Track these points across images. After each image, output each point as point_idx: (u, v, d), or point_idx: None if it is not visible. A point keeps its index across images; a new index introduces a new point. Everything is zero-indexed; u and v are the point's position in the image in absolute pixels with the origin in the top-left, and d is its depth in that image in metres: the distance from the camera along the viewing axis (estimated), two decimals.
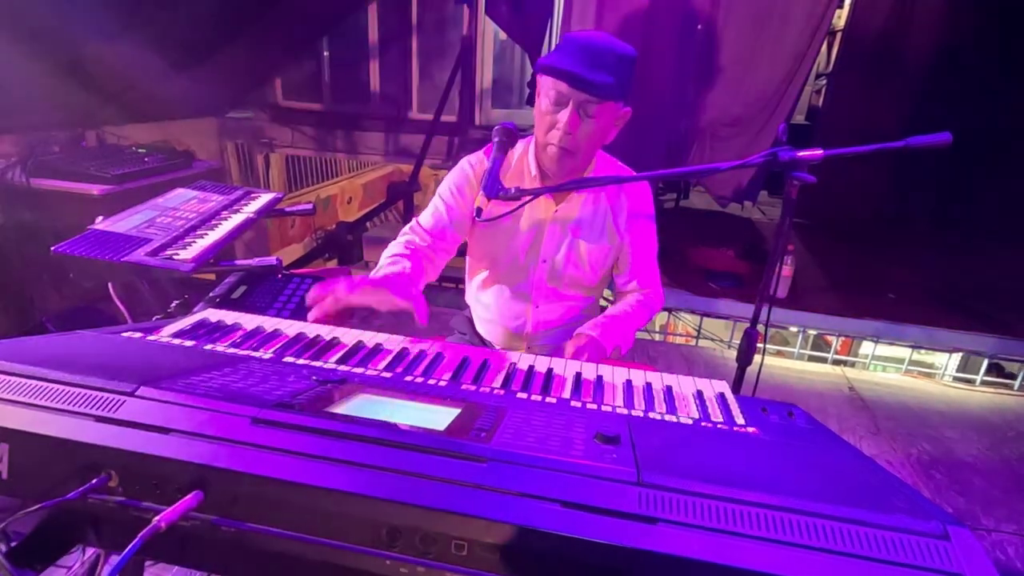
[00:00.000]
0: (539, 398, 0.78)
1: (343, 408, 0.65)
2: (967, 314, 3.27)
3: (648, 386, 0.88)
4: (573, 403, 0.78)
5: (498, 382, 0.85)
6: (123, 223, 1.39)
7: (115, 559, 0.49)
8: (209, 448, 0.56)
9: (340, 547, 0.53)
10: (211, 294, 1.55)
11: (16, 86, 2.65)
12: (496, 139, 1.23)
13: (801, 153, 1.13)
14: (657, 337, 3.64)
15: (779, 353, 3.42)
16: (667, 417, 0.76)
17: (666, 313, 3.55)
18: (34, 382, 0.62)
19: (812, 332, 3.36)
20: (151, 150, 2.89)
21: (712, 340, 3.47)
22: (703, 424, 0.75)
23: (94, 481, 0.55)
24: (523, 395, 0.79)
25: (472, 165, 1.38)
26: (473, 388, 0.80)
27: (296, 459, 0.56)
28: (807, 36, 3.54)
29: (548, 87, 1.17)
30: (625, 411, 0.77)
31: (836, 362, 3.31)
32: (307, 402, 0.64)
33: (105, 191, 2.43)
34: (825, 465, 0.64)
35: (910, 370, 3.26)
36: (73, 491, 0.54)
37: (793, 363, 3.25)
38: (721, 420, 0.78)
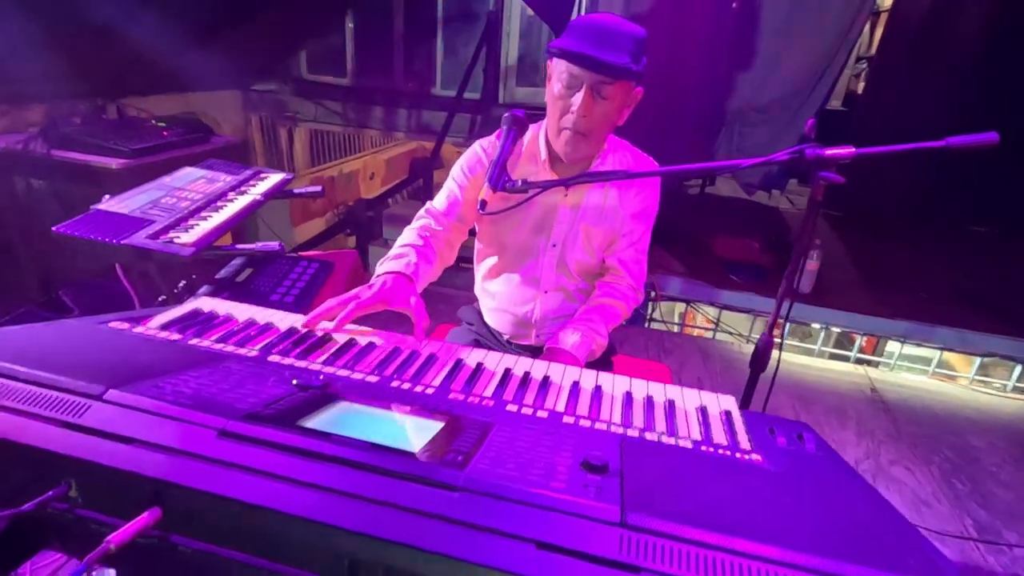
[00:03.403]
0: (530, 411, 0.74)
1: (317, 421, 0.61)
2: (1001, 316, 3.11)
3: (649, 400, 0.83)
4: (565, 418, 0.74)
5: (489, 390, 0.81)
6: (128, 203, 1.38)
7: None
8: (170, 462, 0.54)
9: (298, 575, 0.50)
10: (216, 276, 1.54)
11: (40, 55, 2.66)
12: (505, 127, 1.18)
13: (829, 151, 1.04)
14: (675, 328, 3.57)
15: (800, 349, 3.32)
16: (665, 439, 0.71)
17: (684, 304, 3.46)
18: (3, 380, 0.60)
19: (836, 330, 3.25)
20: (171, 124, 2.89)
21: (731, 334, 3.38)
22: (703, 448, 0.70)
23: (50, 492, 0.53)
24: (513, 407, 0.75)
25: (484, 148, 1.36)
26: (462, 397, 0.76)
27: (260, 478, 0.53)
28: (849, 16, 3.34)
29: (561, 71, 1.15)
30: (621, 429, 0.73)
31: (859, 361, 3.20)
32: (279, 413, 0.61)
33: (123, 165, 2.44)
34: (832, 506, 0.58)
35: (937, 372, 3.13)
36: (30, 501, 0.52)
37: (813, 360, 3.14)
38: (724, 443, 0.72)
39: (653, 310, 3.48)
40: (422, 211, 1.37)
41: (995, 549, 1.98)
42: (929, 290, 3.39)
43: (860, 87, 5.21)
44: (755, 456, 0.69)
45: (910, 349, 3.20)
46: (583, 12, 4.19)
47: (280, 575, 0.51)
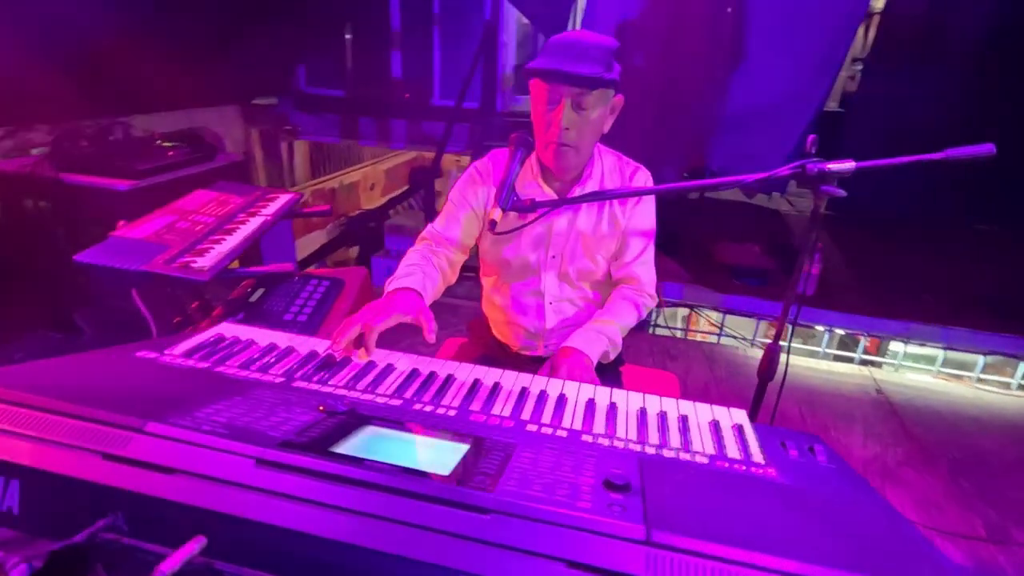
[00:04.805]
0: (549, 430, 0.77)
1: (348, 446, 0.64)
2: (1007, 315, 3.13)
3: (663, 415, 0.85)
4: (584, 436, 0.76)
5: (507, 409, 0.84)
6: (143, 228, 1.41)
7: None
8: (212, 490, 0.56)
9: None
10: (229, 297, 1.57)
11: (42, 76, 2.69)
12: (513, 148, 1.21)
13: (831, 165, 1.07)
14: (678, 334, 3.59)
15: (803, 352, 3.34)
16: (681, 455, 0.74)
17: (688, 309, 3.49)
18: (45, 414, 0.63)
19: (840, 332, 3.27)
20: (175, 143, 2.93)
21: (735, 338, 3.40)
22: (718, 463, 0.72)
23: (100, 523, 0.55)
24: (533, 427, 0.77)
25: (479, 171, 1.40)
26: (483, 418, 0.79)
27: (298, 505, 0.55)
28: (843, 20, 3.39)
29: (540, 88, 1.20)
30: (638, 446, 0.75)
31: (863, 362, 3.22)
32: (311, 441, 0.63)
33: (131, 186, 2.47)
34: (849, 520, 0.61)
35: (942, 372, 3.15)
36: (81, 532, 0.55)
37: (818, 363, 3.17)
38: (738, 457, 0.75)
39: (657, 316, 3.51)
40: (424, 233, 1.41)
41: (1005, 549, 1.99)
42: (932, 290, 3.41)
43: (856, 88, 5.25)
44: (769, 470, 0.71)
45: (914, 349, 3.22)
46: (579, 21, 4.24)
47: None
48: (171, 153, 2.79)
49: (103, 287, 1.28)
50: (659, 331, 3.51)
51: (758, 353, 2.92)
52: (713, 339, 3.51)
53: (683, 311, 3.69)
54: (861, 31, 4.94)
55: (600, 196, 1.24)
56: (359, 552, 0.52)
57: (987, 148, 1.03)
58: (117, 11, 2.79)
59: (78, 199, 2.47)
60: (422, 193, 5.50)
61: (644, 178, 1.38)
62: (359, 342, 0.98)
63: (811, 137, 1.09)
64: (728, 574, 0.50)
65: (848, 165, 1.07)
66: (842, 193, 1.07)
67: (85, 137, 2.68)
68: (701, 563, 0.51)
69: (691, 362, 3.00)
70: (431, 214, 5.10)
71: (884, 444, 2.46)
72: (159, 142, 2.89)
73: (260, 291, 1.58)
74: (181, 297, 1.59)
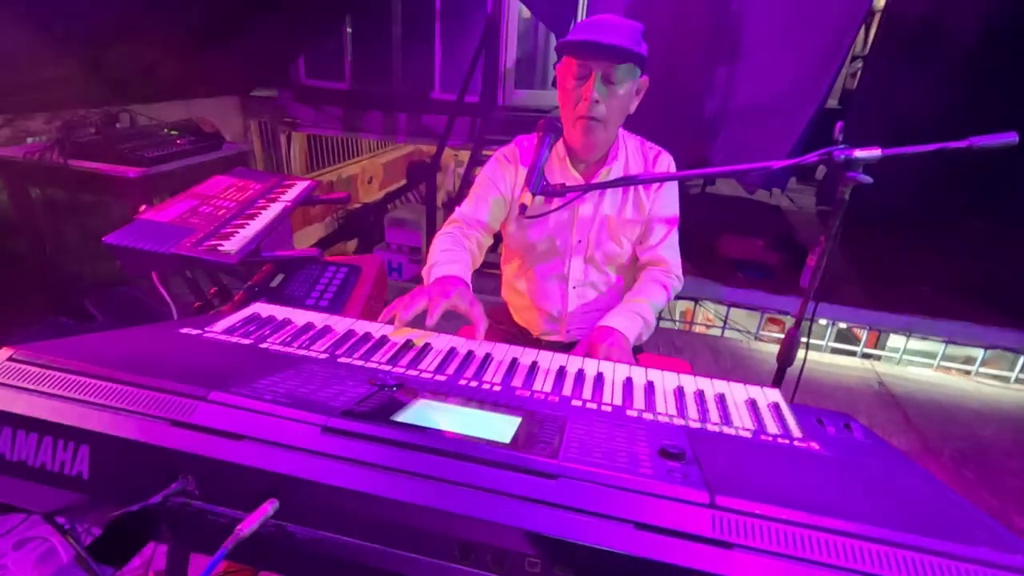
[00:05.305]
0: (594, 406, 0.78)
1: (407, 415, 0.65)
2: (1005, 309, 3.18)
3: (700, 393, 0.87)
4: (628, 412, 0.78)
5: (548, 385, 0.85)
6: (167, 212, 1.41)
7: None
8: (283, 456, 0.57)
9: (414, 559, 0.54)
10: (249, 283, 1.57)
11: (45, 65, 2.67)
12: (541, 133, 1.23)
13: (858, 152, 1.09)
14: (678, 326, 3.62)
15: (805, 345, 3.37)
16: (724, 429, 0.76)
17: (691, 302, 3.52)
18: (111, 383, 0.63)
19: (842, 325, 3.31)
20: (181, 131, 2.91)
21: (739, 331, 3.43)
22: (761, 437, 0.74)
23: (173, 486, 0.56)
24: (578, 402, 0.79)
25: (506, 156, 1.42)
26: (527, 393, 0.80)
27: (369, 469, 0.56)
28: (845, 17, 3.41)
29: (570, 64, 1.23)
30: (681, 421, 0.77)
31: (865, 356, 3.26)
32: (372, 410, 0.64)
33: (140, 173, 2.46)
34: (897, 488, 0.63)
35: (943, 365, 3.20)
36: (155, 495, 0.56)
37: (820, 356, 3.21)
38: (778, 432, 0.77)
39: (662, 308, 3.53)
40: (454, 215, 1.43)
41: None
42: (932, 284, 3.46)
43: (855, 85, 5.29)
44: (812, 444, 0.73)
45: (914, 343, 3.26)
46: (584, 15, 4.24)
47: (393, 558, 0.54)
48: (179, 141, 2.77)
49: (127, 270, 1.28)
50: (663, 323, 3.54)
51: (761, 346, 2.96)
52: (715, 332, 3.54)
53: (681, 306, 3.72)
54: (861, 29, 4.98)
55: (627, 182, 1.26)
56: (433, 514, 0.53)
57: (1010, 136, 1.05)
58: (117, 1, 2.77)
59: (87, 186, 2.46)
60: (422, 187, 5.49)
61: (667, 161, 1.40)
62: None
63: (838, 124, 1.11)
64: (794, 535, 0.52)
65: (875, 152, 1.09)
66: (868, 180, 1.09)
67: (92, 124, 2.66)
68: (766, 525, 0.53)
69: (696, 353, 3.03)
70: (432, 208, 5.10)
71: (887, 434, 2.50)
72: (166, 130, 2.87)
73: (280, 276, 1.58)
74: (199, 282, 1.59)
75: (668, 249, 1.42)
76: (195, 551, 0.52)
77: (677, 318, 3.82)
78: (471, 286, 1.21)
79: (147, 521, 0.61)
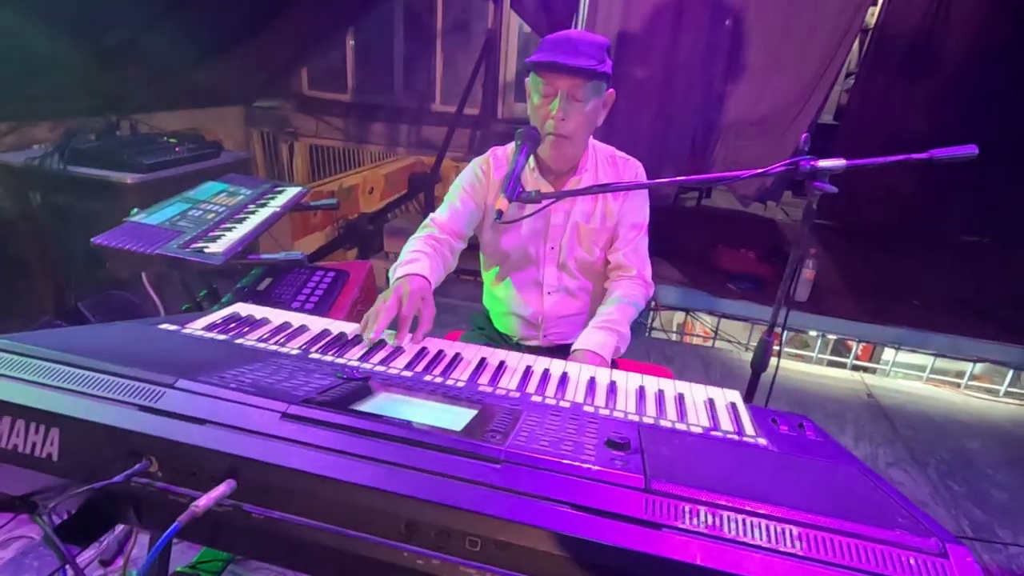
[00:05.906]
0: (553, 401, 0.81)
1: (367, 406, 0.68)
2: (993, 323, 3.20)
3: (660, 393, 0.90)
4: (586, 407, 0.81)
5: (513, 383, 0.88)
6: (157, 215, 1.45)
7: (144, 537, 0.53)
8: (242, 439, 0.60)
9: (361, 538, 0.56)
10: (237, 285, 1.61)
11: (49, 74, 2.73)
12: (519, 142, 1.26)
13: (822, 163, 1.12)
14: (674, 337, 3.64)
15: (797, 357, 3.39)
16: (678, 425, 0.78)
17: (684, 313, 3.54)
18: (83, 371, 0.67)
19: (832, 337, 3.33)
20: (181, 140, 2.97)
21: (729, 342, 3.45)
22: (713, 433, 0.77)
23: (137, 466, 0.59)
24: (537, 398, 0.82)
25: (481, 167, 1.46)
26: (489, 389, 0.83)
27: (323, 453, 0.59)
28: (838, 35, 3.48)
29: (536, 82, 1.27)
30: (636, 417, 0.79)
31: (855, 368, 3.28)
32: (333, 399, 0.67)
33: (138, 180, 2.51)
34: (830, 479, 0.65)
35: (932, 378, 3.21)
36: (118, 475, 0.58)
37: (811, 368, 3.22)
38: (731, 430, 0.79)
39: (654, 320, 3.55)
40: (426, 221, 1.45)
41: (991, 547, 2.03)
42: (922, 298, 3.48)
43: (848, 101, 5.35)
44: (761, 440, 0.76)
45: (905, 356, 3.28)
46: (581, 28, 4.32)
47: (343, 536, 0.57)
48: (178, 149, 2.82)
49: (115, 270, 1.32)
50: (655, 334, 3.56)
51: (751, 357, 2.97)
52: (708, 343, 3.56)
53: (679, 317, 3.74)
54: (855, 45, 5.06)
55: (601, 189, 1.30)
56: (381, 496, 0.56)
57: (970, 149, 1.08)
58: (121, 11, 2.84)
59: (86, 192, 2.50)
60: (423, 197, 5.55)
61: (636, 170, 1.44)
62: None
63: (803, 135, 1.14)
64: (720, 518, 0.54)
65: (839, 163, 1.12)
66: (833, 189, 1.12)
67: (93, 132, 2.71)
68: (694, 508, 0.55)
69: (686, 363, 3.05)
70: None
71: (875, 444, 2.51)
72: (166, 138, 2.93)
73: (267, 280, 1.62)
74: (189, 285, 1.63)
75: (633, 253, 1.45)
76: (159, 531, 0.54)
77: (674, 329, 3.83)
78: (433, 281, 1.23)
79: (112, 502, 0.63)
